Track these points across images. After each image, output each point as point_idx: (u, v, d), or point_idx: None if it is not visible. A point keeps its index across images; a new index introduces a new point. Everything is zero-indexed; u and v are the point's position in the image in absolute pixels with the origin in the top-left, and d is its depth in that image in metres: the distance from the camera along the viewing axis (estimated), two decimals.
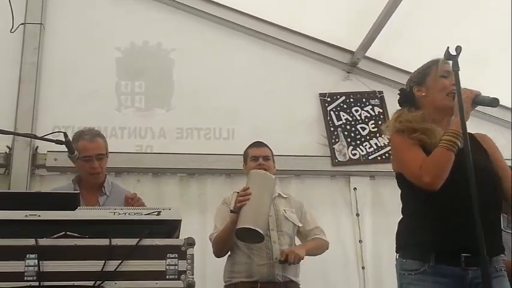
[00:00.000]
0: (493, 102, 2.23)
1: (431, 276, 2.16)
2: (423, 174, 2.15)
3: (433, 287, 2.15)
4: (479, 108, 4.55)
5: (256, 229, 2.76)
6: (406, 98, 2.44)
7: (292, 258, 2.98)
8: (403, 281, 2.23)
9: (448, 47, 2.19)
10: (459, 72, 2.19)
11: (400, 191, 2.40)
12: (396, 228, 2.37)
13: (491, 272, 2.09)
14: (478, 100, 2.24)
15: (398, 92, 2.48)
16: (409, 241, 2.26)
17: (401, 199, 2.39)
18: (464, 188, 2.05)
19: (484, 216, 2.05)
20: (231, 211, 2.89)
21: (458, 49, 2.17)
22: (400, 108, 2.46)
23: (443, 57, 2.23)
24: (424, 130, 2.25)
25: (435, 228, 2.17)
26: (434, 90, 2.34)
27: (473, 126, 4.50)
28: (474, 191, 2.01)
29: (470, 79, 4.11)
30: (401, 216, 2.37)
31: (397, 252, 2.32)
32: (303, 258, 3.06)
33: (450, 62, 2.26)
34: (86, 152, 2.98)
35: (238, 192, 2.90)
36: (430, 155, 2.19)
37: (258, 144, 3.30)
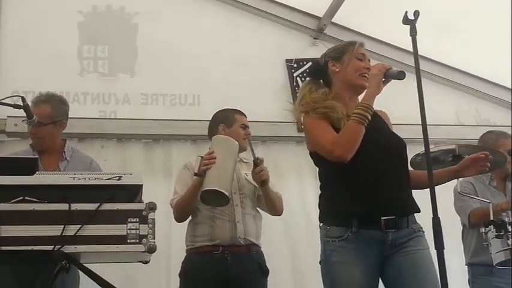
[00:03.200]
0: (400, 75, 2.32)
1: (353, 243, 2.26)
2: (335, 149, 2.26)
3: (356, 253, 2.25)
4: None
5: (222, 191, 2.75)
6: (319, 71, 2.53)
7: (264, 166, 3.03)
8: (327, 248, 2.32)
9: (406, 12, 2.23)
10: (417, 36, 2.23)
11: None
12: None
13: (409, 233, 2.29)
14: (388, 74, 2.34)
15: (312, 63, 2.54)
16: (331, 211, 2.37)
17: (319, 176, 2.50)
18: (376, 157, 2.27)
19: (396, 177, 2.28)
20: (195, 174, 2.87)
21: (416, 14, 2.23)
22: (308, 80, 2.58)
23: (401, 21, 2.25)
24: (327, 106, 2.35)
25: (355, 197, 2.28)
26: (348, 68, 2.44)
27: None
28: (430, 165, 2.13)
29: (436, 45, 4.25)
30: (320, 191, 2.47)
31: (320, 221, 2.41)
32: (267, 179, 3.06)
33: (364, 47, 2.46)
34: None
35: (202, 157, 2.89)
36: (342, 129, 2.30)
37: (244, 113, 3.31)
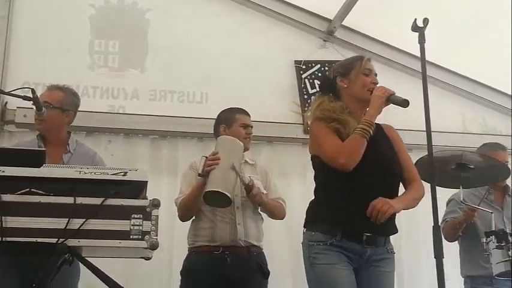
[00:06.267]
0: (404, 103, 2.40)
1: (336, 248, 2.39)
2: (339, 157, 2.38)
3: (339, 255, 2.38)
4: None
5: (224, 192, 2.78)
6: (328, 86, 2.62)
7: (255, 187, 3.02)
8: (311, 251, 2.43)
9: (415, 19, 2.25)
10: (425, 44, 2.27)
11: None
12: None
13: (384, 252, 2.45)
14: (392, 98, 2.42)
15: (322, 78, 2.59)
16: (319, 217, 2.48)
17: (315, 180, 2.59)
18: (372, 175, 2.35)
19: (385, 196, 2.35)
20: (199, 175, 2.89)
21: (425, 21, 2.25)
22: (320, 94, 2.68)
23: (410, 28, 2.28)
24: (340, 120, 2.46)
25: (344, 208, 2.39)
26: (355, 84, 2.54)
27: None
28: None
29: (444, 51, 4.25)
30: (314, 196, 2.58)
31: (305, 226, 2.53)
32: (262, 196, 3.08)
33: (372, 61, 2.55)
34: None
35: (206, 157, 2.91)
36: (346, 140, 2.41)
37: (246, 113, 3.32)
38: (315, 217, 2.51)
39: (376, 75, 2.57)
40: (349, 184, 2.38)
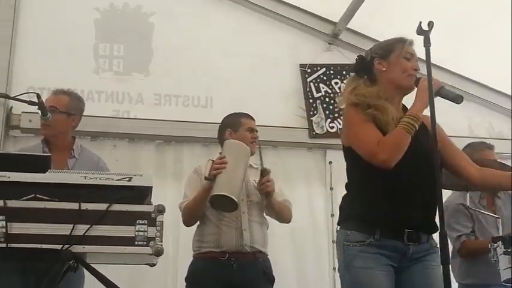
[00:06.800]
0: (457, 99, 2.26)
1: (375, 248, 2.22)
2: (380, 152, 2.18)
3: (377, 258, 2.21)
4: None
5: (231, 197, 2.77)
6: (364, 67, 2.43)
7: (270, 177, 3.02)
8: (348, 253, 2.26)
9: (420, 22, 2.21)
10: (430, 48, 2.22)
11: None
12: None
13: (428, 247, 2.28)
14: (443, 92, 2.27)
15: (357, 58, 2.48)
16: (355, 214, 2.30)
17: (347, 173, 2.42)
18: (413, 168, 2.19)
19: (429, 196, 2.19)
20: (206, 178, 2.89)
21: (431, 24, 2.21)
22: (354, 75, 2.48)
23: (415, 32, 2.25)
24: (378, 107, 2.27)
25: (382, 203, 2.23)
26: (395, 68, 2.36)
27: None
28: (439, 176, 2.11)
29: (451, 54, 4.23)
30: (346, 190, 2.42)
31: (339, 224, 2.36)
32: (271, 191, 3.07)
33: (413, 45, 2.36)
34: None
35: (213, 161, 2.90)
36: (388, 134, 2.23)
37: (251, 117, 3.31)
38: (350, 214, 2.31)
39: (417, 60, 2.38)
40: (389, 178, 2.19)
